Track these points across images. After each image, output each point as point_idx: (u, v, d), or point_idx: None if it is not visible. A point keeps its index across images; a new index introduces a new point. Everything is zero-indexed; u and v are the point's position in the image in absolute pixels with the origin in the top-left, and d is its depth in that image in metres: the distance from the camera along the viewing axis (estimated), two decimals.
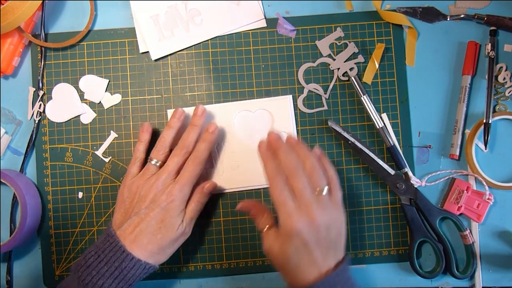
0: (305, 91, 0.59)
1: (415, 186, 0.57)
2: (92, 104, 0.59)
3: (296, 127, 0.59)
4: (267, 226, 0.49)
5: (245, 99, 0.59)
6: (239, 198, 0.58)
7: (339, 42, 0.59)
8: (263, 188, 0.57)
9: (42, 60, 0.59)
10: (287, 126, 0.57)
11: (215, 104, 0.58)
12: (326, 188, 0.47)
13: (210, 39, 0.59)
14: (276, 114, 0.58)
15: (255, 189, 0.58)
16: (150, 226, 0.49)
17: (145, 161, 0.55)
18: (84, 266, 0.47)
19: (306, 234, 0.44)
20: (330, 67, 0.59)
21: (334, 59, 0.59)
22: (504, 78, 0.58)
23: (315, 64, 0.59)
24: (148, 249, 0.48)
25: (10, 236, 0.56)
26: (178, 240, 0.52)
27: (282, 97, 0.58)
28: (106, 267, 0.46)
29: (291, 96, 0.58)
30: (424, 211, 0.56)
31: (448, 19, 0.59)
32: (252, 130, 0.57)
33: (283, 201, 0.45)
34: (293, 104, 0.58)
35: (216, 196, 0.58)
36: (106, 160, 0.58)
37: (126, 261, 0.47)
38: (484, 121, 0.56)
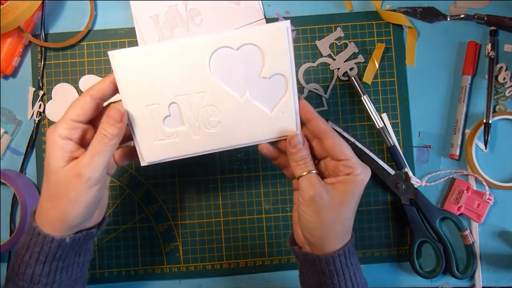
0: (305, 91, 0.59)
1: (415, 186, 0.57)
2: None
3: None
4: (307, 171, 0.43)
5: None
6: (238, 189, 0.58)
7: (339, 42, 0.59)
8: (252, 147, 0.46)
9: (42, 60, 0.59)
10: (283, 65, 0.42)
11: (177, 40, 0.42)
12: None
13: None
14: (268, 50, 0.42)
15: (243, 147, 0.46)
16: (43, 193, 0.42)
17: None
18: (14, 255, 0.42)
19: (362, 190, 0.43)
20: (330, 67, 0.59)
21: (334, 59, 0.59)
22: (504, 78, 0.58)
23: (315, 64, 0.59)
24: (54, 219, 0.40)
25: (10, 236, 0.56)
26: (75, 187, 0.39)
27: (276, 25, 0.41)
28: (28, 253, 0.40)
29: (288, 21, 0.41)
30: (424, 211, 0.56)
31: (448, 19, 0.59)
32: (234, 74, 0.43)
33: (351, 154, 0.43)
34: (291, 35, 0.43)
35: (216, 196, 0.58)
36: None
37: (46, 243, 0.40)
38: (484, 121, 0.56)
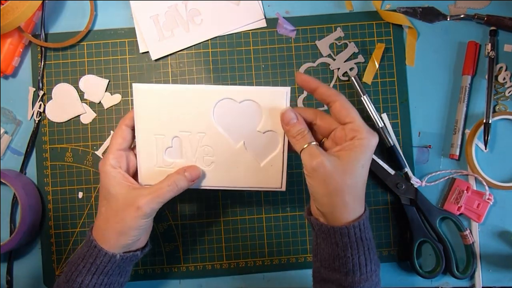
0: (305, 91, 0.59)
1: (415, 186, 0.57)
2: (92, 104, 0.59)
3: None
4: (307, 143, 0.43)
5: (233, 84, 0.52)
6: (230, 198, 0.58)
7: (339, 42, 0.59)
8: (237, 191, 0.51)
9: (42, 60, 0.59)
10: (278, 125, 0.46)
11: (190, 85, 0.48)
12: None
13: (210, 39, 0.59)
14: (267, 109, 0.46)
15: (226, 191, 0.50)
16: (101, 214, 0.47)
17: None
18: (69, 264, 0.47)
19: (371, 156, 0.43)
20: (330, 67, 0.59)
21: (334, 59, 0.59)
22: (504, 78, 0.58)
23: (315, 64, 0.59)
24: (109, 237, 0.45)
25: (10, 236, 0.56)
26: (131, 215, 0.44)
27: (278, 89, 0.46)
28: (83, 263, 0.45)
29: (289, 88, 0.46)
30: (424, 211, 0.56)
31: (448, 19, 0.59)
32: (234, 123, 0.47)
33: (357, 116, 0.43)
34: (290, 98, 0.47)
35: (216, 196, 0.58)
36: None
37: (100, 256, 0.45)
38: (484, 121, 0.56)
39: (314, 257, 0.46)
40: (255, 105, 0.46)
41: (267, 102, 0.46)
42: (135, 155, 0.48)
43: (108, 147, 0.47)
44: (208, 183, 0.48)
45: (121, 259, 0.46)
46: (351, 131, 0.42)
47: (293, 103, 0.59)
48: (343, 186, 0.41)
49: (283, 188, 0.48)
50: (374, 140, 0.42)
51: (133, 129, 0.48)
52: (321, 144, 0.46)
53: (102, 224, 0.46)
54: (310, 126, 0.46)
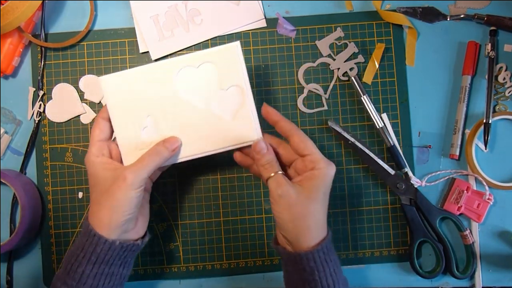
0: (305, 91, 0.59)
1: (415, 186, 0.57)
2: (92, 104, 0.59)
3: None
4: (274, 172, 0.47)
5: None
6: (238, 189, 0.58)
7: (339, 42, 0.59)
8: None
9: (42, 60, 0.59)
10: (237, 78, 0.49)
11: (151, 63, 0.52)
12: None
13: (210, 39, 0.59)
14: (224, 66, 0.49)
15: (207, 156, 0.50)
16: (92, 200, 0.48)
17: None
18: (67, 256, 0.47)
19: (330, 184, 0.47)
20: (330, 67, 0.59)
21: (334, 59, 0.59)
22: (504, 78, 0.58)
23: (315, 64, 0.59)
24: (103, 217, 0.45)
25: (10, 236, 0.56)
26: (120, 188, 0.45)
27: (228, 45, 0.49)
28: (82, 253, 0.45)
29: (238, 42, 0.49)
30: (424, 211, 0.56)
31: (448, 19, 0.59)
32: (198, 88, 0.49)
33: (315, 149, 0.47)
34: (242, 52, 0.49)
35: (216, 196, 0.58)
36: None
37: (99, 244, 0.45)
38: (484, 121, 0.56)
39: (286, 285, 0.49)
40: (212, 65, 0.49)
41: (222, 60, 0.49)
42: (117, 145, 0.50)
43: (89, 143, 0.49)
44: (188, 153, 0.50)
45: (121, 247, 0.46)
46: (310, 162, 0.47)
47: (293, 103, 0.59)
48: (306, 212, 0.45)
49: (260, 136, 0.49)
50: (332, 169, 0.47)
51: (109, 121, 0.49)
52: (285, 171, 0.49)
53: (95, 207, 0.47)
54: (274, 152, 0.49)
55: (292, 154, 0.49)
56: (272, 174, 0.46)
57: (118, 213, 0.45)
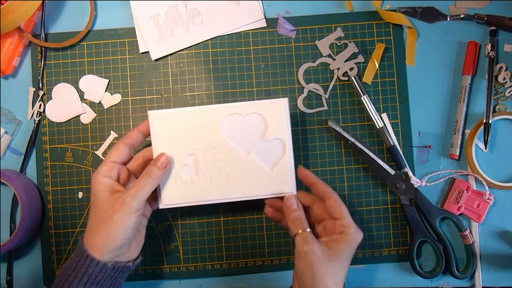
0: (305, 91, 0.59)
1: (415, 186, 0.57)
2: (92, 104, 0.59)
3: (296, 128, 0.59)
4: (302, 229, 0.48)
5: (237, 100, 0.58)
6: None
7: (339, 42, 0.59)
8: (255, 200, 0.52)
9: (42, 60, 0.59)
10: (281, 132, 0.51)
11: (201, 105, 0.53)
12: None
13: (210, 39, 0.59)
14: (269, 119, 0.51)
15: (245, 201, 0.52)
16: (91, 219, 0.48)
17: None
18: (59, 275, 0.48)
19: (355, 249, 0.48)
20: (330, 67, 0.59)
21: (334, 59, 0.59)
22: (504, 78, 0.58)
23: (315, 64, 0.59)
24: (99, 240, 0.46)
25: (10, 236, 0.56)
26: (119, 212, 0.46)
27: (276, 100, 0.51)
28: (74, 273, 0.46)
29: (286, 99, 0.51)
30: (424, 211, 0.56)
31: (448, 19, 0.59)
32: (242, 135, 0.51)
33: (347, 214, 0.48)
34: (290, 107, 0.52)
35: None
36: None
37: (92, 265, 0.46)
38: (484, 121, 0.56)
39: None
40: (259, 116, 0.51)
41: (269, 113, 0.51)
42: (129, 171, 0.51)
43: (103, 161, 0.50)
44: (225, 195, 0.51)
45: (112, 269, 0.47)
46: (340, 226, 0.48)
47: (293, 103, 0.59)
48: (327, 273, 0.46)
49: (294, 192, 0.51)
50: (359, 236, 0.48)
51: (130, 147, 0.51)
52: (311, 226, 0.50)
53: (92, 228, 0.47)
54: (306, 208, 0.51)
55: (324, 214, 0.50)
56: (300, 231, 0.48)
57: (114, 237, 0.46)
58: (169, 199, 0.51)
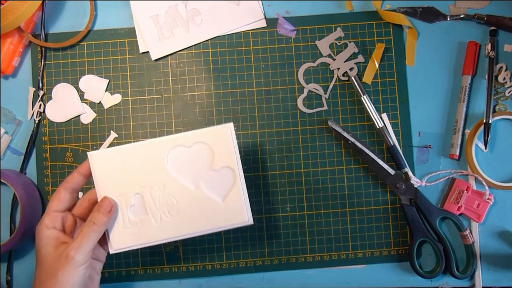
0: (305, 91, 0.59)
1: (415, 186, 0.57)
2: (92, 104, 0.59)
3: (296, 128, 0.59)
4: None
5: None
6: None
7: (339, 42, 0.59)
8: (206, 235, 0.51)
9: (42, 60, 0.59)
10: (230, 159, 0.48)
11: (140, 141, 0.49)
12: None
13: (210, 39, 0.59)
14: (216, 147, 0.48)
15: (199, 237, 0.52)
16: (36, 279, 0.45)
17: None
18: None
19: None
20: (330, 67, 0.59)
21: (334, 59, 0.59)
22: (504, 78, 0.58)
23: (315, 64, 0.59)
24: None
25: (10, 236, 0.56)
26: (63, 269, 0.44)
27: (221, 127, 0.48)
28: None
29: (231, 124, 0.48)
30: (424, 211, 0.56)
31: (448, 19, 0.59)
32: (190, 168, 0.48)
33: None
34: (235, 133, 0.49)
35: None
36: None
37: None
38: (484, 121, 0.56)
39: None
40: (205, 146, 0.49)
41: (214, 141, 0.48)
42: (74, 217, 0.49)
43: (45, 210, 0.48)
44: (178, 233, 0.48)
45: None
46: None
47: (293, 103, 0.59)
48: None
49: (250, 222, 0.49)
50: None
51: (71, 192, 0.48)
52: None
53: (37, 286, 0.44)
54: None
55: None
56: None
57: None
58: (118, 244, 0.48)
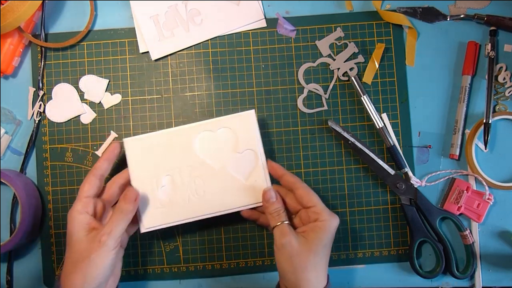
0: (305, 91, 0.59)
1: (415, 186, 0.57)
2: (92, 104, 0.59)
3: (296, 128, 0.59)
4: (281, 221, 0.49)
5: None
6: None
7: (339, 42, 0.59)
8: (235, 213, 0.53)
9: (42, 60, 0.59)
10: (252, 143, 0.53)
11: (170, 128, 0.54)
12: None
13: (210, 39, 0.59)
14: (240, 132, 0.53)
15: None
16: (67, 259, 0.48)
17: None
18: None
19: (333, 235, 0.48)
20: (330, 67, 0.59)
21: (334, 59, 0.59)
22: (504, 78, 0.58)
23: (315, 64, 0.59)
24: (76, 281, 0.46)
25: (10, 236, 0.56)
26: (96, 251, 0.46)
27: (244, 113, 0.53)
28: None
29: (253, 110, 0.53)
30: (424, 211, 0.56)
31: (448, 19, 0.59)
32: (216, 151, 0.53)
33: (318, 201, 0.49)
34: (257, 119, 0.53)
35: None
36: None
37: None
38: (484, 121, 0.56)
39: None
40: (229, 130, 0.53)
41: (238, 126, 0.53)
42: (102, 202, 0.51)
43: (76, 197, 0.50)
44: (204, 212, 0.52)
45: None
46: (313, 213, 0.48)
47: (293, 103, 0.59)
48: (307, 264, 0.46)
49: (271, 187, 0.52)
50: (335, 221, 0.49)
51: (100, 178, 0.51)
52: (290, 219, 0.51)
53: (69, 268, 0.47)
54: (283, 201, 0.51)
55: (297, 204, 0.51)
56: (279, 223, 0.48)
57: (92, 277, 0.46)
58: (149, 222, 0.52)
